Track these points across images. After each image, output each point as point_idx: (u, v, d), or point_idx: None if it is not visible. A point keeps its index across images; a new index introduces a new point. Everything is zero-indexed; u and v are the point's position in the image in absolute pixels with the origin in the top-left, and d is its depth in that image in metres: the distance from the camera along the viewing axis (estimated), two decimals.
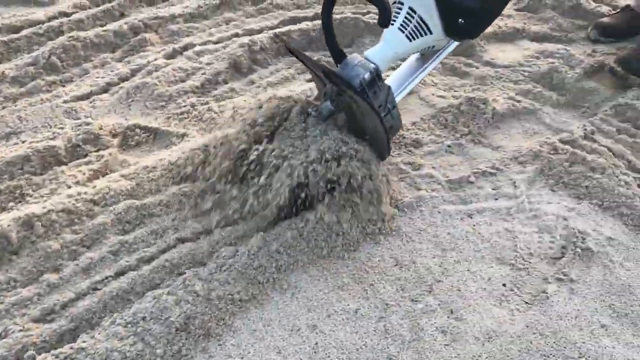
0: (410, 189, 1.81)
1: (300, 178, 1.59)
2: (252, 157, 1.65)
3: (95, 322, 1.43)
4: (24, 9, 2.62)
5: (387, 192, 1.73)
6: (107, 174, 1.83)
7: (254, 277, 1.52)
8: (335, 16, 2.50)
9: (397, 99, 1.74)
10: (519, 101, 2.13)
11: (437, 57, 1.84)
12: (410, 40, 1.66)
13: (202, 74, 2.23)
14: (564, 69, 2.26)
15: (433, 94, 2.18)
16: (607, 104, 2.12)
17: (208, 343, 1.41)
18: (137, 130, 2.00)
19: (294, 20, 2.55)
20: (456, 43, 1.84)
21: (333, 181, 1.61)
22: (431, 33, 1.66)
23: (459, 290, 1.53)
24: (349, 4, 2.71)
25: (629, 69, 2.17)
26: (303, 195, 1.62)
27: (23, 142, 1.94)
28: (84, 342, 1.36)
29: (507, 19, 2.62)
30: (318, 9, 2.67)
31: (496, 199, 1.78)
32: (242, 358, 1.39)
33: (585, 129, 1.99)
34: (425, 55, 1.84)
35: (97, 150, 1.92)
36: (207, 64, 2.28)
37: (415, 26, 1.64)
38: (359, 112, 1.63)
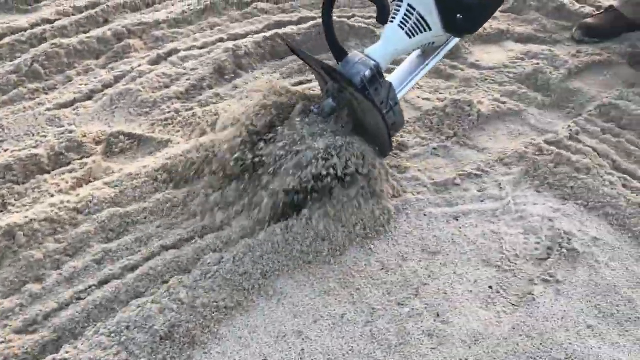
0: (396, 192, 1.81)
1: (298, 178, 1.59)
2: (254, 155, 1.66)
3: (79, 332, 1.41)
4: (6, 17, 2.60)
5: (387, 187, 1.74)
6: (90, 182, 1.82)
7: (240, 284, 1.51)
8: (319, 20, 2.50)
9: (399, 96, 1.76)
10: (504, 103, 2.13)
11: (438, 53, 1.84)
12: (410, 37, 1.68)
13: (187, 79, 2.22)
14: (548, 70, 2.26)
15: (418, 97, 2.18)
16: (592, 104, 2.12)
17: (193, 351, 1.40)
18: (121, 137, 1.98)
19: (279, 25, 2.55)
20: (457, 39, 1.85)
21: (329, 179, 1.61)
22: (430, 29, 1.68)
23: (445, 293, 1.52)
24: (335, 7, 2.70)
25: None
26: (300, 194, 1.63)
27: (5, 150, 1.93)
28: (67, 352, 1.34)
29: (492, 21, 2.62)
30: (304, 13, 2.67)
31: (482, 201, 1.78)
32: None
33: (570, 130, 1.99)
34: (427, 52, 1.85)
35: (81, 158, 1.90)
36: (192, 69, 2.27)
37: (414, 23, 1.66)
38: (360, 109, 1.65)
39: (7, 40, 2.38)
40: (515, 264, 1.59)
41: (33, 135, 2.00)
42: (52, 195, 1.74)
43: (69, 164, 1.88)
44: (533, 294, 1.51)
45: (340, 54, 1.68)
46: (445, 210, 1.75)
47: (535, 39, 2.52)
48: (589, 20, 2.52)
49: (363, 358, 1.39)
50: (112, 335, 1.38)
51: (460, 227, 1.70)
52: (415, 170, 1.87)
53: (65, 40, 2.38)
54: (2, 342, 1.37)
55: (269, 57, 2.40)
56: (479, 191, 1.81)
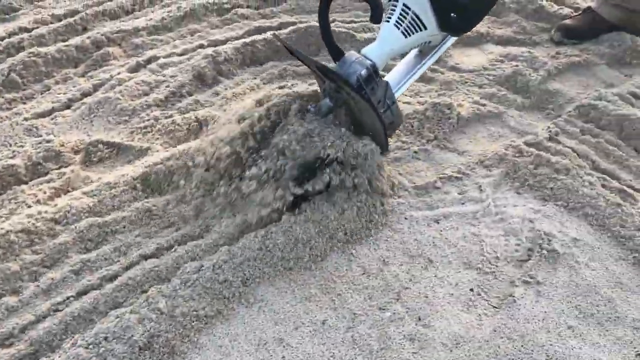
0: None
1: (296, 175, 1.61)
2: (251, 155, 1.68)
3: (56, 345, 1.39)
4: None
5: (386, 182, 1.76)
6: (69, 191, 1.80)
7: (220, 292, 1.50)
8: (300, 25, 2.50)
9: (397, 95, 1.77)
10: (483, 105, 2.14)
11: (435, 52, 1.85)
12: (406, 37, 1.69)
13: (166, 86, 2.21)
14: (527, 71, 2.27)
15: (399, 100, 2.17)
16: (571, 105, 2.14)
17: None
18: (100, 145, 1.97)
19: (259, 30, 2.54)
20: (454, 38, 1.86)
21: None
22: (426, 28, 1.69)
23: (427, 297, 1.52)
24: (314, 12, 2.70)
25: None
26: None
27: None
28: None
29: None
30: (284, 18, 2.67)
31: (462, 204, 1.78)
32: None
33: (550, 131, 2.00)
34: (424, 52, 1.86)
35: (59, 168, 1.88)
36: (171, 76, 2.25)
37: (410, 22, 1.67)
38: (357, 108, 1.66)
39: None
40: (496, 265, 1.59)
41: (10, 145, 1.97)
42: (29, 206, 1.72)
43: (46, 173, 1.86)
44: (514, 296, 1.51)
45: (337, 53, 1.68)
46: (426, 213, 1.75)
47: (514, 41, 2.53)
48: (568, 21, 2.54)
49: None
50: (90, 347, 1.36)
51: (441, 230, 1.70)
52: (396, 173, 1.87)
53: (43, 49, 2.35)
54: None
55: (249, 62, 2.39)
56: (459, 194, 1.81)
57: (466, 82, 2.26)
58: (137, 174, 1.80)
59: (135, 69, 2.35)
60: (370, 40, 2.41)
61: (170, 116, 2.08)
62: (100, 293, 1.49)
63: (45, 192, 1.77)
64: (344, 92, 1.64)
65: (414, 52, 1.87)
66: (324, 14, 1.65)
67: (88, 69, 2.37)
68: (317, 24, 2.48)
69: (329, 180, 1.64)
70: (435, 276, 1.58)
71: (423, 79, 2.31)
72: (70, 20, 2.57)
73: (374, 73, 1.64)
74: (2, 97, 2.18)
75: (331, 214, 1.65)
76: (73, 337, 1.39)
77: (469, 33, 2.50)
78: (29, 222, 1.64)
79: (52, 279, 1.53)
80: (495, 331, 1.43)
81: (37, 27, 2.52)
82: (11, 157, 1.89)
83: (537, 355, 1.38)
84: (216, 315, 1.47)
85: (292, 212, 1.64)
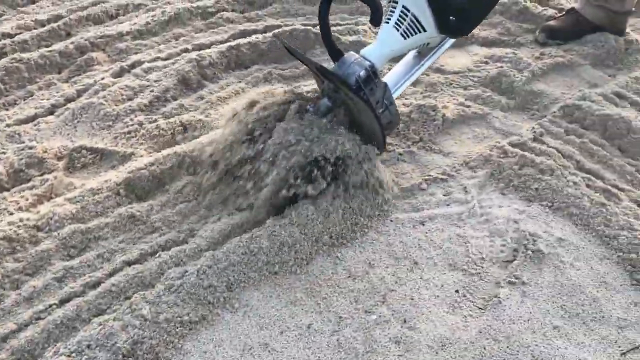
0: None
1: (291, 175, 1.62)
2: (249, 154, 1.69)
3: (38, 354, 1.37)
4: None
5: (387, 179, 1.77)
6: (51, 198, 1.78)
7: (204, 297, 1.49)
8: (285, 28, 2.50)
9: (395, 96, 1.79)
10: (468, 106, 2.14)
11: (434, 54, 1.87)
12: (405, 38, 1.70)
13: (150, 91, 2.19)
14: (512, 72, 2.28)
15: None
16: (555, 105, 2.14)
17: None
18: (84, 151, 1.95)
19: (244, 34, 2.53)
20: (452, 40, 1.87)
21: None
22: (425, 30, 1.70)
23: (412, 299, 1.52)
24: (299, 15, 2.70)
25: None
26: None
27: None
28: None
29: None
30: (269, 22, 2.67)
31: (448, 205, 1.78)
32: None
33: (534, 131, 2.00)
34: (422, 53, 1.87)
35: (41, 174, 1.87)
36: (155, 81, 2.24)
37: (409, 24, 1.69)
38: (356, 109, 1.67)
39: None
40: (482, 267, 1.59)
41: None
42: (11, 213, 1.70)
43: (29, 180, 1.84)
44: (499, 297, 1.51)
45: (336, 54, 1.70)
46: (412, 215, 1.75)
47: (499, 42, 2.54)
48: (552, 22, 2.55)
49: None
50: (73, 354, 1.34)
51: (426, 232, 1.70)
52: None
53: (25, 55, 2.34)
54: None
55: (234, 66, 2.38)
56: (444, 195, 1.81)
57: (451, 84, 2.26)
58: (120, 179, 1.79)
59: (119, 74, 2.33)
60: (356, 43, 2.43)
61: (155, 121, 2.07)
62: (83, 300, 1.47)
63: (27, 199, 1.75)
64: (342, 93, 1.66)
65: (413, 53, 1.89)
66: (324, 14, 1.67)
67: (72, 74, 2.35)
68: (302, 27, 2.50)
69: (325, 183, 1.65)
70: (420, 278, 1.57)
71: None
72: (54, 25, 2.55)
73: (372, 74, 1.66)
74: None
75: (316, 217, 1.64)
76: (55, 345, 1.37)
77: None
78: (10, 229, 1.62)
79: (34, 286, 1.52)
80: (480, 332, 1.43)
81: (20, 33, 2.49)
82: None
83: (522, 356, 1.38)
84: (200, 320, 1.46)
85: (279, 215, 1.65)
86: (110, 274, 1.56)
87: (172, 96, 2.20)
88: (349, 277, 1.58)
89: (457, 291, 1.54)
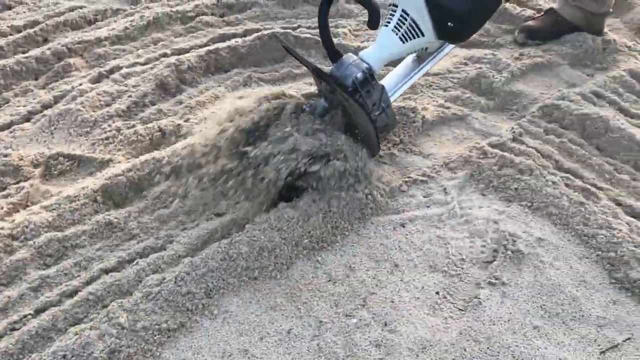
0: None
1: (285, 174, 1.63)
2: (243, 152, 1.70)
3: None
4: None
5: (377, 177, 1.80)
6: (27, 206, 1.76)
7: (183, 304, 1.47)
8: (264, 32, 2.49)
9: (393, 98, 1.81)
10: (448, 108, 2.14)
11: (433, 58, 1.89)
12: (404, 42, 1.72)
13: (128, 96, 2.17)
14: (491, 73, 2.29)
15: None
16: (534, 105, 2.15)
17: None
18: (61, 158, 1.92)
19: (224, 38, 2.52)
20: (451, 45, 1.88)
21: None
22: (423, 35, 1.72)
23: (393, 302, 1.51)
24: (279, 19, 2.69)
25: None
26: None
27: None
28: None
29: None
30: (249, 25, 2.65)
31: (428, 207, 1.77)
32: None
33: (514, 132, 2.01)
34: (421, 57, 1.89)
35: (17, 182, 1.84)
36: (134, 86, 2.22)
37: (408, 28, 1.70)
38: (352, 110, 1.68)
39: None
40: (462, 268, 1.59)
41: None
42: None
43: (4, 188, 1.81)
44: (479, 298, 1.50)
45: (335, 55, 1.72)
46: (392, 217, 1.75)
47: (478, 43, 2.55)
48: (530, 22, 2.56)
49: None
50: None
51: (406, 234, 1.69)
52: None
53: (1, 61, 2.31)
54: None
55: (214, 70, 2.37)
56: (424, 197, 1.81)
57: (431, 86, 2.26)
58: (97, 186, 1.76)
59: (97, 79, 2.31)
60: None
61: (133, 126, 2.05)
62: (59, 310, 1.45)
63: (2, 208, 1.73)
64: (339, 94, 1.68)
65: (412, 57, 1.91)
66: (324, 15, 1.69)
67: (49, 80, 2.33)
68: (282, 30, 2.49)
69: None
70: (401, 280, 1.57)
71: None
72: (30, 31, 2.52)
73: (370, 76, 1.68)
74: None
75: (296, 221, 1.63)
76: (30, 356, 1.35)
77: None
78: None
79: (9, 297, 1.49)
80: (461, 334, 1.43)
81: None
82: None
83: (503, 357, 1.38)
84: (179, 328, 1.45)
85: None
86: (87, 282, 1.54)
87: (151, 101, 2.18)
88: (330, 281, 1.57)
89: (437, 293, 1.53)
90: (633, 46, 2.51)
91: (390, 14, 1.73)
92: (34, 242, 1.62)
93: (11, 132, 2.05)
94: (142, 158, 1.84)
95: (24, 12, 2.72)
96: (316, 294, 1.54)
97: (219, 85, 2.29)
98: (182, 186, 1.78)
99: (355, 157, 1.69)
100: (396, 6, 1.71)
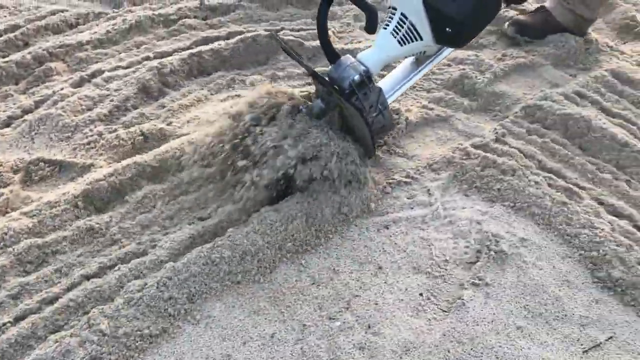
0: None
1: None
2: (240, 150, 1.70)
3: None
4: None
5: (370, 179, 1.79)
6: (7, 212, 1.73)
7: (165, 310, 1.46)
8: (247, 34, 2.48)
9: (391, 100, 1.81)
10: (431, 109, 2.14)
11: (432, 61, 1.88)
12: (402, 45, 1.72)
13: (110, 100, 2.15)
14: (474, 74, 2.29)
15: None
16: (517, 106, 2.16)
17: None
18: (41, 164, 1.90)
19: (207, 41, 2.51)
20: (450, 49, 1.89)
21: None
22: (422, 39, 1.72)
23: (377, 304, 1.51)
24: (262, 21, 2.69)
25: None
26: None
27: None
28: None
29: None
30: (232, 28, 2.64)
31: (411, 208, 1.77)
32: None
33: (497, 132, 2.01)
34: (420, 59, 1.89)
35: None
36: (116, 90, 2.20)
37: (406, 32, 1.70)
38: (348, 112, 1.69)
39: None
40: (445, 269, 1.59)
41: None
42: None
43: None
44: (463, 299, 1.50)
45: (333, 56, 1.72)
46: (376, 219, 1.74)
47: None
48: (521, 17, 2.56)
49: None
50: None
51: (390, 236, 1.69)
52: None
53: None
54: None
55: (197, 73, 2.36)
56: (408, 198, 1.81)
57: (414, 87, 2.26)
58: (79, 191, 1.75)
59: (79, 83, 2.29)
60: (319, 49, 2.41)
61: (115, 131, 2.03)
62: (39, 317, 1.43)
63: None
64: (335, 96, 1.69)
65: (411, 58, 1.91)
66: (323, 15, 1.69)
67: (29, 85, 2.30)
68: (265, 33, 2.49)
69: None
70: (385, 282, 1.56)
71: None
72: (11, 35, 2.50)
73: (367, 79, 1.68)
74: None
75: (279, 224, 1.62)
76: None
77: None
78: None
79: None
80: (444, 335, 1.43)
81: None
82: None
83: (486, 358, 1.38)
84: (161, 334, 1.43)
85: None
86: (68, 289, 1.52)
87: (133, 105, 2.17)
88: (313, 284, 1.57)
89: (421, 294, 1.53)
90: (615, 46, 2.53)
91: (389, 17, 1.73)
92: (14, 249, 1.59)
93: None
94: (124, 162, 1.82)
95: (5, 16, 2.70)
96: (300, 297, 1.53)
97: (202, 89, 2.28)
98: (165, 190, 1.77)
99: (350, 160, 1.70)
100: (395, 9, 1.72)
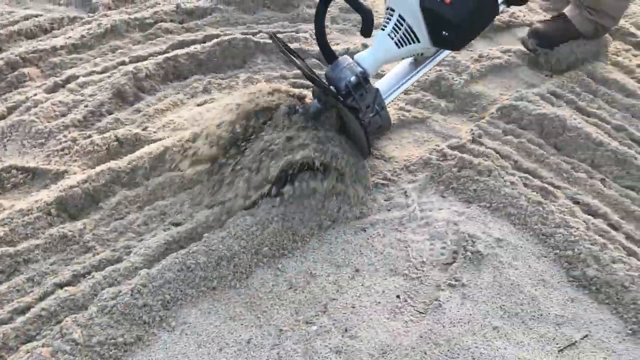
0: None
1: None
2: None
3: None
4: None
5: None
6: None
7: (139, 317, 1.44)
8: (224, 38, 2.46)
9: (388, 101, 1.82)
10: (409, 111, 2.14)
11: (430, 62, 1.89)
12: (399, 47, 1.73)
13: (85, 106, 2.13)
14: (451, 75, 2.29)
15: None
16: (493, 106, 2.16)
17: None
18: (14, 171, 1.88)
19: (183, 45, 2.49)
20: (448, 51, 1.89)
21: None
22: (419, 41, 1.72)
23: (354, 307, 1.50)
24: (239, 24, 2.67)
25: None
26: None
27: None
28: None
29: None
30: (209, 31, 2.62)
31: (389, 210, 1.77)
32: None
33: (473, 133, 2.02)
34: (418, 60, 1.89)
35: None
36: (90, 95, 2.17)
37: (404, 34, 1.71)
38: (344, 112, 1.70)
39: None
40: (422, 270, 1.59)
41: None
42: None
43: None
44: (440, 300, 1.51)
45: (331, 57, 1.73)
46: (353, 222, 1.74)
47: None
48: (540, 25, 2.44)
49: None
50: None
51: (367, 238, 1.69)
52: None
53: None
54: None
55: (172, 77, 2.33)
56: (385, 200, 1.80)
57: None
58: (52, 198, 1.72)
59: (53, 89, 2.26)
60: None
61: (89, 136, 2.01)
62: (10, 327, 1.41)
63: None
64: (331, 97, 1.69)
65: (408, 59, 1.91)
66: (321, 16, 1.69)
67: (2, 91, 2.26)
68: (242, 36, 2.47)
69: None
70: (362, 285, 1.56)
71: None
72: None
73: (363, 80, 1.70)
74: None
75: (255, 229, 1.62)
76: None
77: None
78: None
79: None
80: (421, 337, 1.43)
81: None
82: None
83: (463, 359, 1.38)
84: (136, 341, 1.42)
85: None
86: (41, 298, 1.50)
87: (107, 110, 2.14)
88: (290, 288, 1.56)
89: (398, 296, 1.53)
90: None
91: (387, 18, 1.73)
92: None
93: None
94: (98, 169, 1.80)
95: None
96: (276, 302, 1.52)
97: (178, 93, 2.26)
98: (139, 196, 1.76)
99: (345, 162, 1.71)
100: (393, 10, 1.72)
